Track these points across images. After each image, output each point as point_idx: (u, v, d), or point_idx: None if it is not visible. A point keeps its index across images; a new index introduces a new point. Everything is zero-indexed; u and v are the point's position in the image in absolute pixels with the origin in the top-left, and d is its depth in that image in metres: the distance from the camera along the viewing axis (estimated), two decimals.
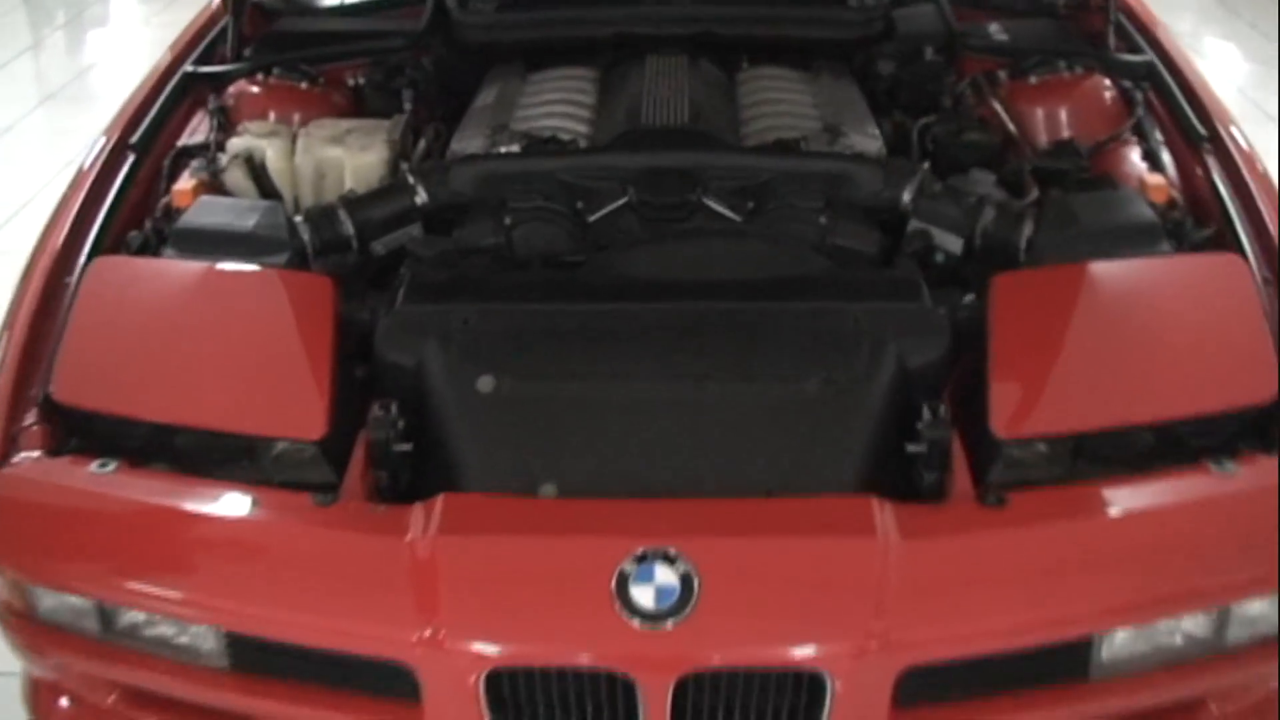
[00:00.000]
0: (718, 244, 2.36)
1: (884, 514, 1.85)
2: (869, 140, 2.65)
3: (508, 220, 2.46)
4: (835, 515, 1.88)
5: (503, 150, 2.59)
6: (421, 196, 2.50)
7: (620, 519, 1.86)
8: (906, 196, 2.47)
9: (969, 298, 2.27)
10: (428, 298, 2.25)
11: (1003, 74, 2.98)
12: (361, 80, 3.08)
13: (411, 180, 2.51)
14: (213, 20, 3.30)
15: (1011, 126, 2.84)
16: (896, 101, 3.10)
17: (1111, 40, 3.12)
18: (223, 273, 2.28)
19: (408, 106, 2.95)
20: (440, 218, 2.53)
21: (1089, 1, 3.30)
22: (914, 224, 2.47)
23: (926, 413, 2.00)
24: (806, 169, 2.51)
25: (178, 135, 2.90)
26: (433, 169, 2.54)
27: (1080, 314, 2.14)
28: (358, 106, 3.06)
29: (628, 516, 1.86)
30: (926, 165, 2.52)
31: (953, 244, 2.45)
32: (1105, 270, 2.22)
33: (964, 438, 2.03)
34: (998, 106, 2.87)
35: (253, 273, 2.28)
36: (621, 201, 2.47)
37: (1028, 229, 2.38)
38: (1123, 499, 1.94)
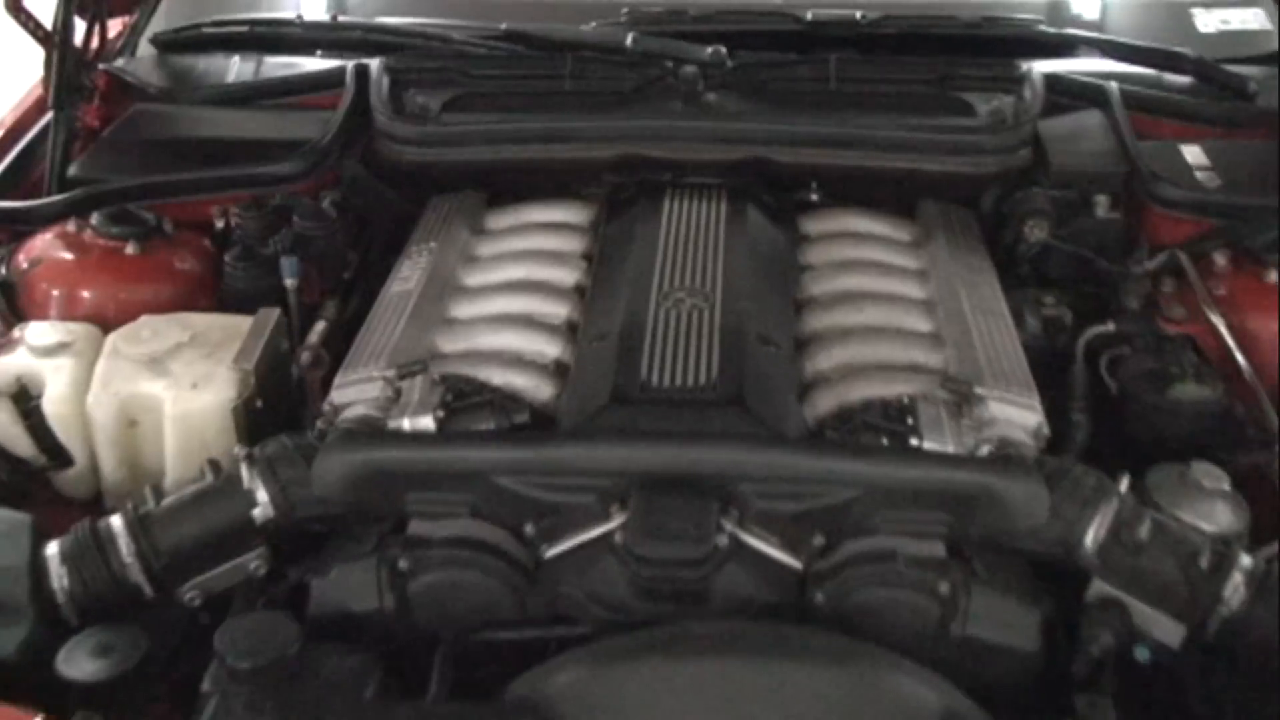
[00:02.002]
0: (750, 673, 1.31)
1: None
2: (1022, 409, 1.58)
3: (402, 564, 1.45)
4: None
5: (407, 423, 1.55)
6: (263, 507, 1.49)
7: None
8: (1090, 540, 1.43)
9: None
10: None
11: (1220, 258, 1.89)
12: (236, 218, 2.03)
13: (246, 478, 1.50)
14: (40, 108, 2.27)
15: (1243, 361, 1.75)
16: (1044, 275, 2.03)
17: None
18: None
19: (289, 283, 1.90)
20: (299, 540, 1.53)
21: None
22: (1099, 587, 1.43)
23: None
24: (913, 483, 1.46)
25: None
26: (283, 456, 1.52)
27: None
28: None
29: None
30: (1126, 483, 1.46)
31: (1168, 633, 1.43)
32: None
33: None
34: (1218, 321, 1.79)
35: None
36: (599, 532, 1.45)
37: None
38: None
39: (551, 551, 1.47)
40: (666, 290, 1.72)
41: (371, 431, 1.53)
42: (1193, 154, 2.09)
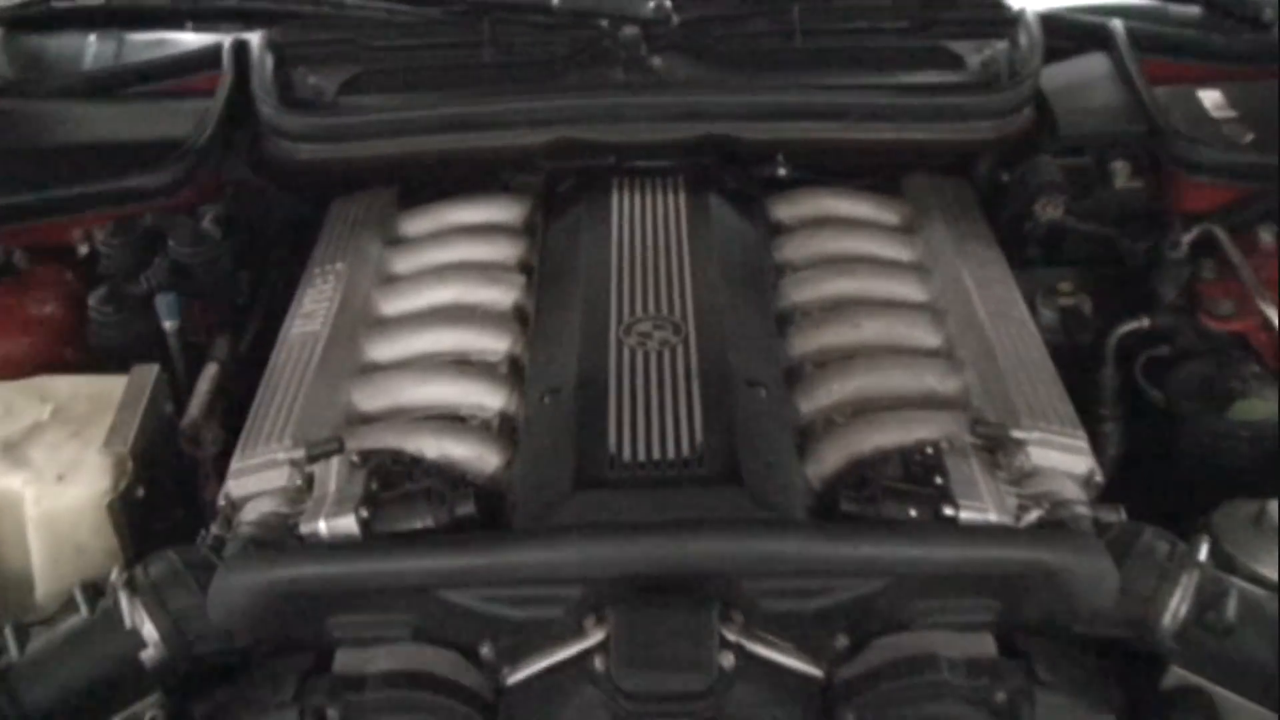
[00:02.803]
0: None
1: None
2: (1069, 453, 1.31)
3: (331, 715, 1.17)
4: None
5: (323, 526, 1.24)
6: (154, 647, 1.20)
7: None
8: (1168, 621, 1.19)
9: None
10: None
11: (1266, 234, 1.62)
12: (105, 241, 1.69)
13: (128, 611, 1.20)
14: None
15: None
16: (1054, 255, 1.76)
17: None
18: None
19: (168, 327, 1.58)
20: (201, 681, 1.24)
21: None
22: (1178, 674, 1.19)
23: None
24: (952, 566, 1.20)
25: None
26: (172, 579, 1.22)
27: None
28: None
29: None
30: (1205, 549, 1.21)
31: None
32: None
33: None
34: (1271, 313, 1.53)
35: None
36: (572, 652, 1.18)
37: None
38: None
39: (515, 677, 1.20)
40: (628, 322, 1.43)
41: (279, 542, 1.24)
42: (1212, 100, 1.82)
